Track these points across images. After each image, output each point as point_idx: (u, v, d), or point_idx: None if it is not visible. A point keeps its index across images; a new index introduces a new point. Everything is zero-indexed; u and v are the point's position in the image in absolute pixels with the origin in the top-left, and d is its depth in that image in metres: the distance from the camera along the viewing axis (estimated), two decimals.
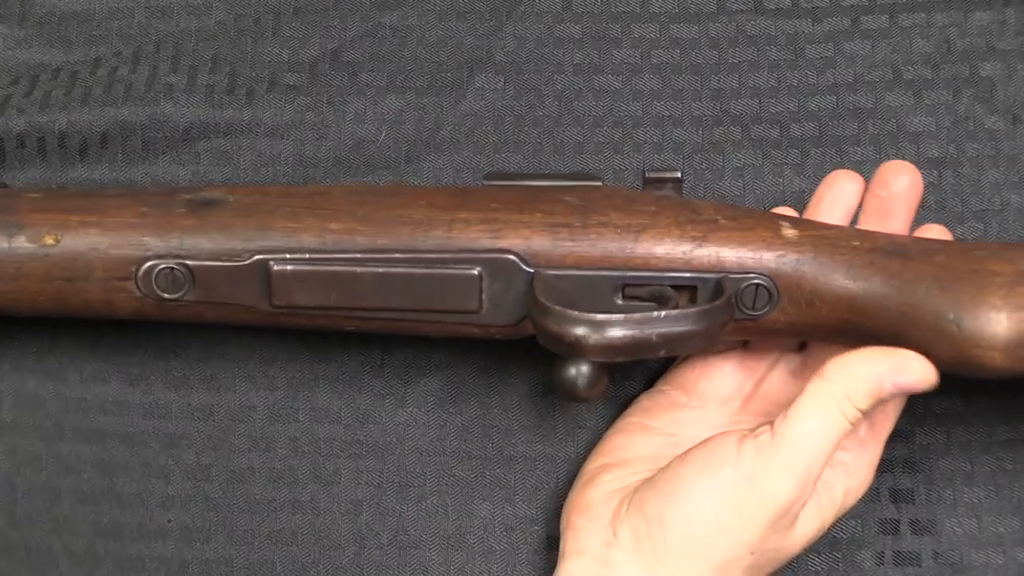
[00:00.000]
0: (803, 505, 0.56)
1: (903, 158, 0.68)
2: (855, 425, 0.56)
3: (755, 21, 0.70)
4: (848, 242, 0.58)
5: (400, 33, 0.71)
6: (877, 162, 0.68)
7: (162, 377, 0.68)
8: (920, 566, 0.66)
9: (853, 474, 0.60)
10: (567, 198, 0.59)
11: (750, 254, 0.57)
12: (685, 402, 0.65)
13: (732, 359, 0.65)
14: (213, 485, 0.67)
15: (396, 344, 0.68)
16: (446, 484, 0.68)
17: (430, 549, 0.67)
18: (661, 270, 0.57)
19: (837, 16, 0.70)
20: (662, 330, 0.54)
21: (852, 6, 0.70)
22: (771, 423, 0.56)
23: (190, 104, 0.70)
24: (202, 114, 0.70)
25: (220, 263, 0.58)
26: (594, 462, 0.64)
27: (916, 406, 0.65)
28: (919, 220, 0.63)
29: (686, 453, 0.58)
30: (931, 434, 0.67)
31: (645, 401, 0.66)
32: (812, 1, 0.70)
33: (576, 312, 0.54)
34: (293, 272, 0.57)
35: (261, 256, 0.57)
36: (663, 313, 0.54)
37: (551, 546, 0.67)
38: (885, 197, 0.62)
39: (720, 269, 0.57)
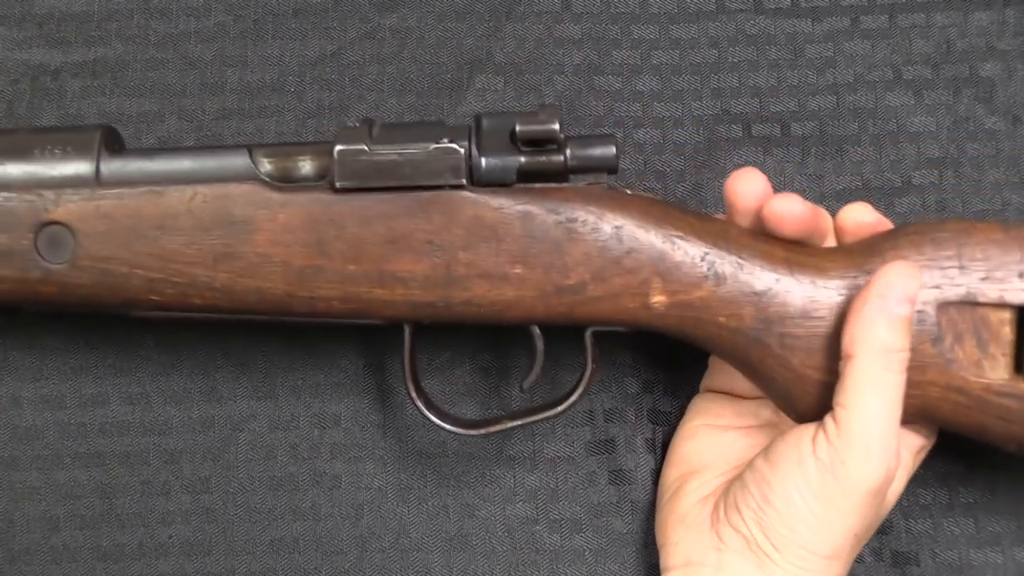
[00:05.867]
0: (894, 478, 0.57)
1: (903, 158, 0.69)
2: (906, 367, 0.56)
3: (755, 21, 0.70)
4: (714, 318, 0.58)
5: (400, 34, 0.71)
6: (878, 161, 0.68)
7: (162, 394, 0.68)
8: (919, 566, 0.67)
9: None
10: None
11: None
12: (741, 393, 0.65)
13: None
14: (213, 497, 0.68)
15: (396, 348, 0.68)
16: (447, 486, 0.68)
17: (432, 551, 0.67)
18: None
19: (837, 16, 0.70)
20: None
21: (852, 6, 0.70)
22: (833, 412, 0.56)
23: None
24: None
25: None
26: (671, 474, 0.65)
27: None
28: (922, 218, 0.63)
29: (768, 452, 0.59)
30: None
31: (701, 403, 0.66)
32: (812, 1, 0.70)
33: None
34: None
35: None
36: None
37: (552, 547, 0.67)
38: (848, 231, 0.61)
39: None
